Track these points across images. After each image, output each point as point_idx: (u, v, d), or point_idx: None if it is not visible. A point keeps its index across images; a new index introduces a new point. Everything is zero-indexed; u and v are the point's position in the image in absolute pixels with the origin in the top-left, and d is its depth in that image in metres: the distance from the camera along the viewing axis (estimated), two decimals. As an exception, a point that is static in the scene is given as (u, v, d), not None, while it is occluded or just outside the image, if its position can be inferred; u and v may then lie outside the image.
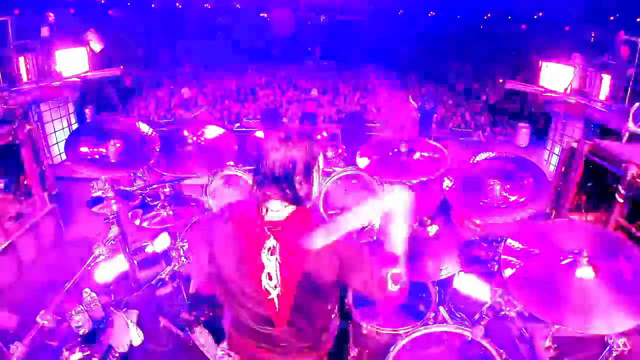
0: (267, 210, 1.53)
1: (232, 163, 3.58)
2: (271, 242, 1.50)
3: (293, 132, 1.52)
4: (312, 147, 1.53)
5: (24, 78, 7.25)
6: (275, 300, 1.53)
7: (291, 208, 1.54)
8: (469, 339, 2.18)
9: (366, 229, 3.38)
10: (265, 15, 21.36)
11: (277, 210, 1.53)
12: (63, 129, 8.47)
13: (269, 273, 1.51)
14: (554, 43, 9.64)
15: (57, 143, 8.15)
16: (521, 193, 2.57)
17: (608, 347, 1.80)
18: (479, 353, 2.13)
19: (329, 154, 4.64)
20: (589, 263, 1.81)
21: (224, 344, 1.79)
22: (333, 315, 1.74)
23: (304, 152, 1.49)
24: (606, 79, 6.99)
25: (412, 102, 8.82)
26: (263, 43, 18.89)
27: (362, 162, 3.44)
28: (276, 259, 1.50)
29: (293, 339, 1.62)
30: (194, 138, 3.44)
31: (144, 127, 3.28)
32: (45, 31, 7.90)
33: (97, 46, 8.55)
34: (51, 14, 8.11)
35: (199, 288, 1.75)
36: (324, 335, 1.70)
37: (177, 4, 20.54)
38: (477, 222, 3.11)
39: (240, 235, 1.54)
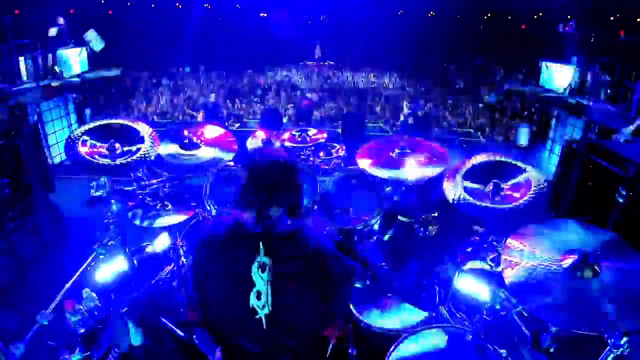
0: (260, 221, 1.49)
1: (232, 163, 3.58)
2: (262, 258, 1.45)
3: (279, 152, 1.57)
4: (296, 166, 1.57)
5: (24, 78, 7.26)
6: (263, 320, 1.48)
7: (284, 219, 1.52)
8: (469, 339, 2.18)
9: (366, 229, 3.38)
10: (265, 15, 21.35)
11: (272, 220, 1.50)
12: (63, 129, 8.47)
13: (258, 291, 1.45)
14: (553, 43, 9.63)
15: (57, 143, 8.15)
16: (521, 193, 2.57)
17: (608, 347, 1.80)
18: (479, 353, 2.13)
19: (328, 154, 4.64)
20: (589, 263, 1.81)
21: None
22: (324, 333, 1.71)
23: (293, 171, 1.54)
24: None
25: (406, 106, 8.82)
26: (263, 43, 18.87)
27: (363, 162, 3.44)
28: (268, 277, 1.45)
29: (284, 356, 1.58)
30: (194, 138, 3.44)
31: (144, 127, 3.28)
32: (53, 31, 7.92)
33: (97, 46, 8.56)
34: (61, 18, 8.13)
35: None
36: (314, 353, 1.68)
37: (177, 4, 20.53)
38: (477, 222, 3.11)
39: (229, 250, 1.50)
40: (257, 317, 1.48)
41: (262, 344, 1.55)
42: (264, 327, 1.49)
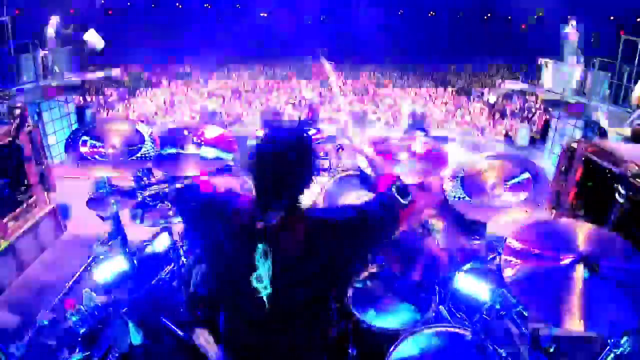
0: (263, 211, 1.50)
1: (232, 163, 3.57)
2: (264, 246, 1.47)
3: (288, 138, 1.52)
4: (307, 151, 1.54)
5: (24, 78, 7.26)
6: (265, 300, 1.51)
7: (284, 211, 1.52)
8: (469, 338, 2.18)
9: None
10: (265, 15, 21.36)
11: (275, 212, 1.51)
12: (63, 129, 8.47)
13: (259, 275, 1.48)
14: (554, 43, 9.63)
15: (57, 143, 8.15)
16: (521, 193, 2.57)
17: (608, 347, 1.80)
18: (479, 353, 2.13)
19: (328, 155, 4.63)
20: (589, 263, 1.81)
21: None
22: (327, 313, 1.73)
23: (302, 156, 1.51)
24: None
25: (404, 107, 8.83)
26: (263, 43, 18.89)
27: (363, 162, 3.43)
28: (269, 264, 1.48)
29: (285, 338, 1.61)
30: (194, 138, 3.43)
31: (143, 127, 3.27)
32: (51, 32, 7.92)
33: (97, 45, 8.56)
34: (57, 17, 8.13)
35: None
36: (318, 333, 1.70)
37: (177, 4, 20.55)
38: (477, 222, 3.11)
39: (234, 234, 1.53)
40: (259, 297, 1.51)
41: (266, 325, 1.58)
42: (266, 307, 1.52)
